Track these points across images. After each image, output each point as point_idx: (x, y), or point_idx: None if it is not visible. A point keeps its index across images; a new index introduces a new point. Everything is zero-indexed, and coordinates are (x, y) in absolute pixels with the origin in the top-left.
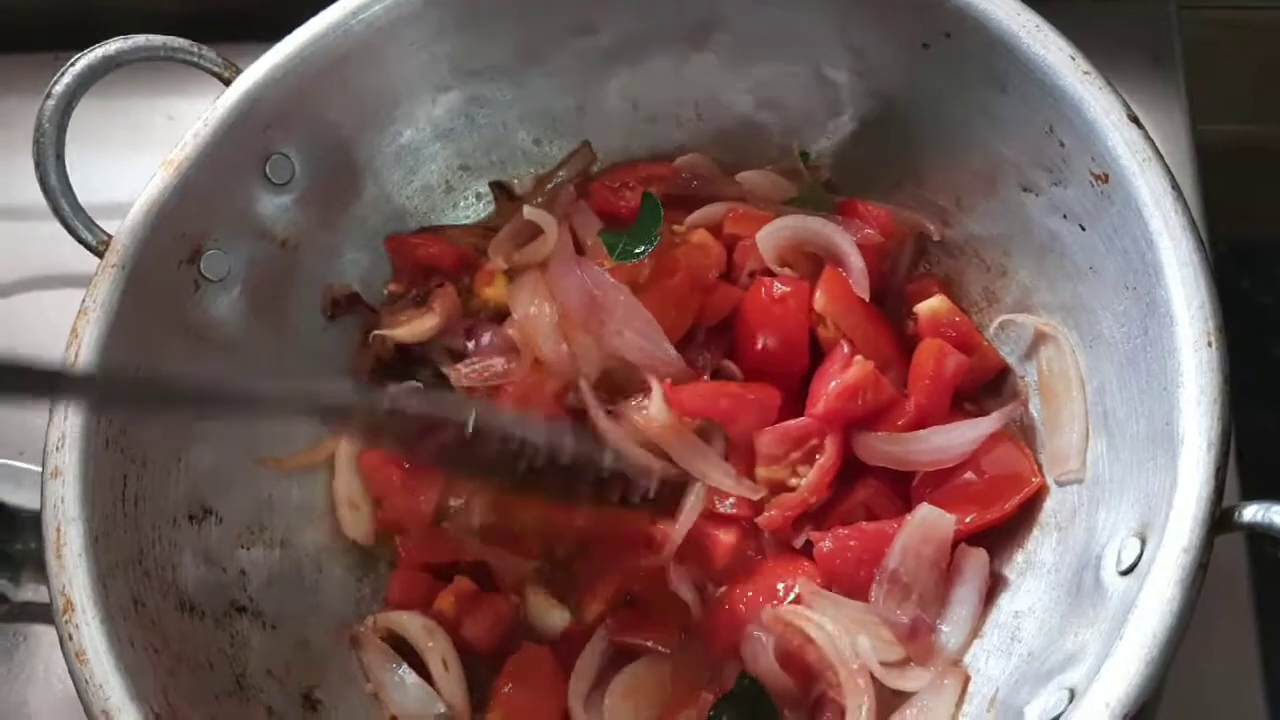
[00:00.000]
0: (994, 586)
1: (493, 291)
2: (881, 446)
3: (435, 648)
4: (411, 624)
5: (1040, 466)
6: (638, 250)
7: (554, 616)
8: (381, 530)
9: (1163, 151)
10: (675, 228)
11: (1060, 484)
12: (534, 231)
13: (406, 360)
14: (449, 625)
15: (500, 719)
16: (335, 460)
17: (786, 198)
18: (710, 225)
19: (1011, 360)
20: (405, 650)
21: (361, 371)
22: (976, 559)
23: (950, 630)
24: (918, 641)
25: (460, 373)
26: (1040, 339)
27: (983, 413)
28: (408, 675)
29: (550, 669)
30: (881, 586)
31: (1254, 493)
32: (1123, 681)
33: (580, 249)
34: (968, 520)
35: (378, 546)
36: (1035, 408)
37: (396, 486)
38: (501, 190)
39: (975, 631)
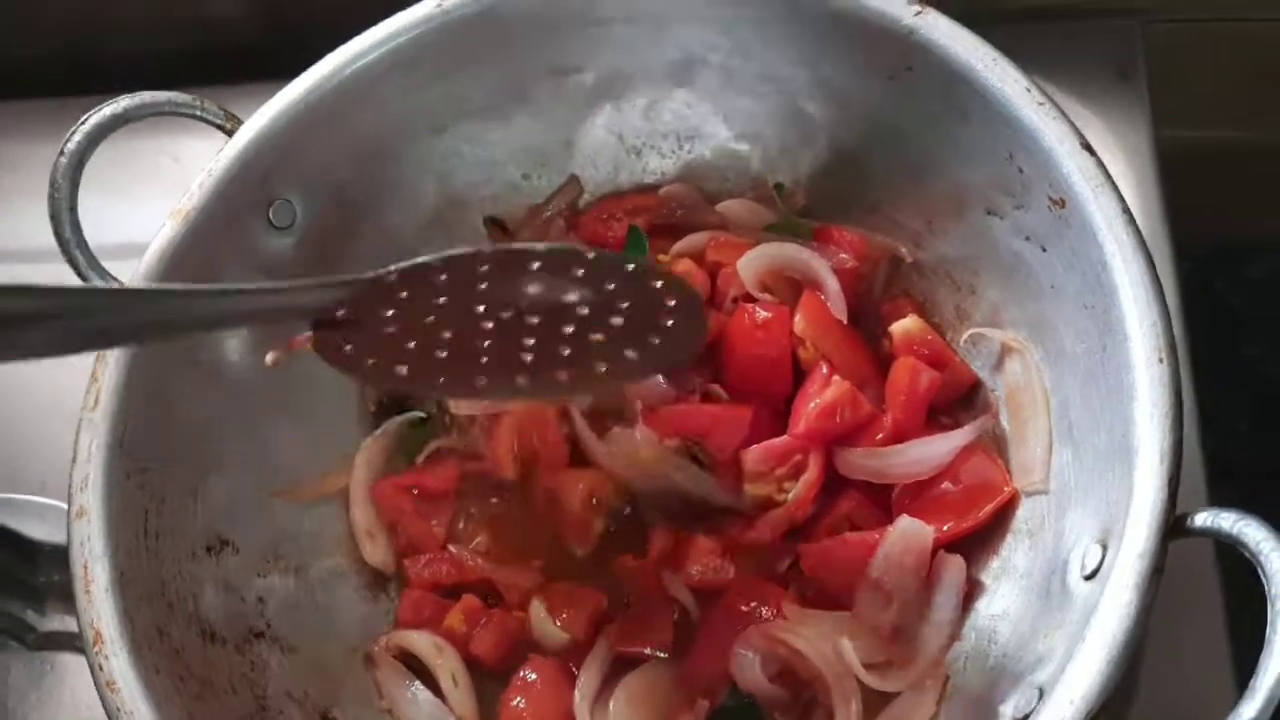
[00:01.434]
0: (971, 591)
1: None
2: (861, 461)
3: (445, 664)
4: (421, 642)
5: (1011, 476)
6: None
7: (557, 630)
8: (398, 555)
9: (1128, 162)
10: (661, 257)
11: (1026, 495)
12: None
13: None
14: (458, 642)
15: None
16: (350, 492)
17: (765, 224)
18: (693, 254)
19: (982, 374)
20: (417, 667)
21: (369, 401)
22: (954, 566)
23: (930, 633)
24: (900, 645)
25: (461, 401)
26: (1007, 352)
27: (957, 426)
28: (420, 691)
29: (556, 681)
30: (865, 594)
31: (1226, 489)
32: (1085, 680)
33: None
34: (945, 528)
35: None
36: (1005, 420)
37: (409, 513)
38: (495, 225)
39: (954, 635)
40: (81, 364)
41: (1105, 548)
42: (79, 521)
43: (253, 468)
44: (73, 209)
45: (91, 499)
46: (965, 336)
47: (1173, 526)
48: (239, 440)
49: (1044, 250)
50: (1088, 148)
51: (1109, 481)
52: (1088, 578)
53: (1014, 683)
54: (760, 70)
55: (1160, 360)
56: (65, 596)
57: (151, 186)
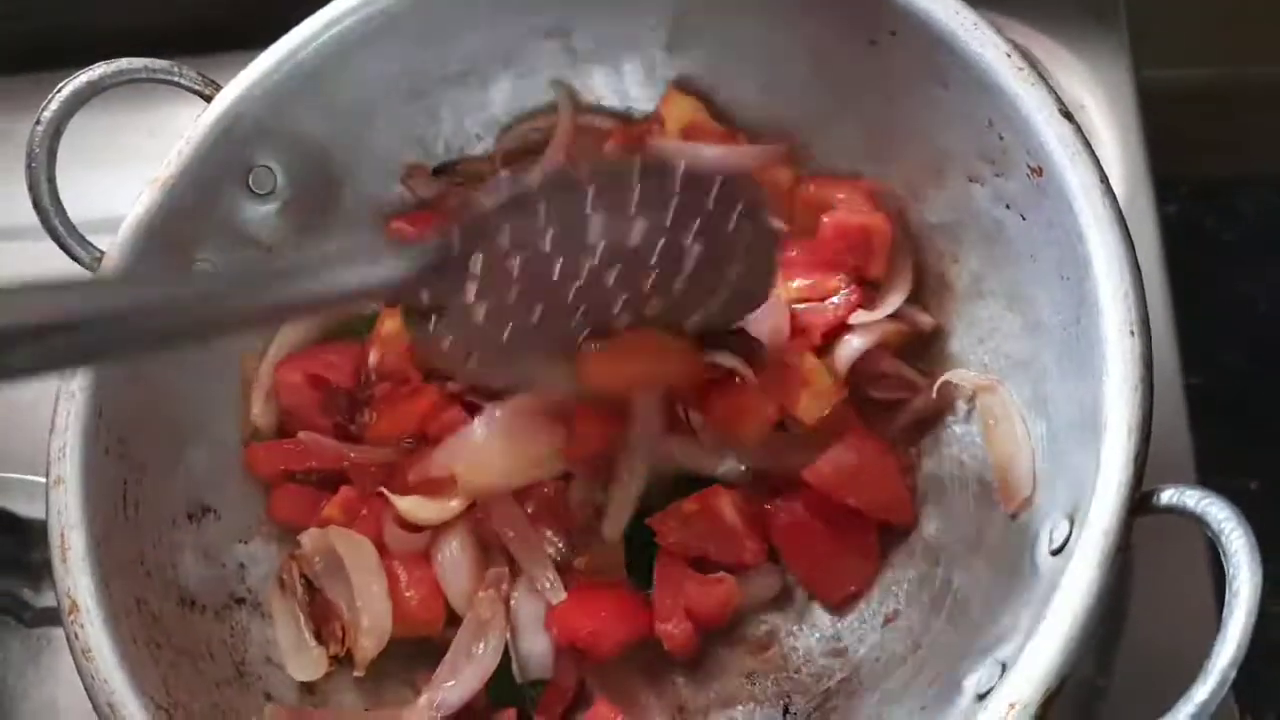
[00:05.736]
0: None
1: None
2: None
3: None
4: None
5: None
6: None
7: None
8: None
9: (1109, 103)
10: None
11: (1016, 517)
12: None
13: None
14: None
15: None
16: (264, 354)
17: None
18: None
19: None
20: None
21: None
22: None
23: None
24: None
25: None
26: (981, 391)
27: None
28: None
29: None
30: None
31: (1223, 430)
32: (1044, 658)
33: None
34: None
35: None
36: (989, 453)
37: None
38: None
39: None
40: None
41: (1073, 522)
42: (56, 490)
43: (237, 435)
44: (51, 179)
45: (68, 468)
46: (939, 383)
47: (1138, 503)
48: (223, 408)
49: (1023, 219)
50: (1066, 114)
51: (1079, 456)
52: (1054, 553)
53: (980, 657)
54: (746, 37)
55: (1132, 334)
56: None
57: (133, 157)
